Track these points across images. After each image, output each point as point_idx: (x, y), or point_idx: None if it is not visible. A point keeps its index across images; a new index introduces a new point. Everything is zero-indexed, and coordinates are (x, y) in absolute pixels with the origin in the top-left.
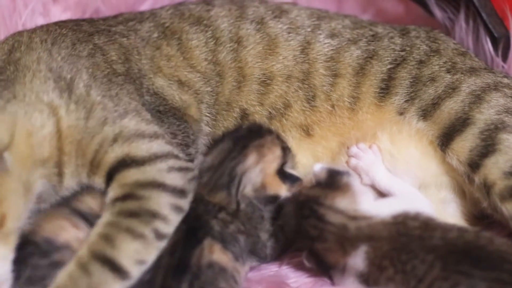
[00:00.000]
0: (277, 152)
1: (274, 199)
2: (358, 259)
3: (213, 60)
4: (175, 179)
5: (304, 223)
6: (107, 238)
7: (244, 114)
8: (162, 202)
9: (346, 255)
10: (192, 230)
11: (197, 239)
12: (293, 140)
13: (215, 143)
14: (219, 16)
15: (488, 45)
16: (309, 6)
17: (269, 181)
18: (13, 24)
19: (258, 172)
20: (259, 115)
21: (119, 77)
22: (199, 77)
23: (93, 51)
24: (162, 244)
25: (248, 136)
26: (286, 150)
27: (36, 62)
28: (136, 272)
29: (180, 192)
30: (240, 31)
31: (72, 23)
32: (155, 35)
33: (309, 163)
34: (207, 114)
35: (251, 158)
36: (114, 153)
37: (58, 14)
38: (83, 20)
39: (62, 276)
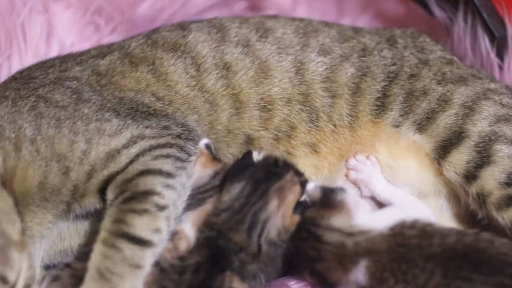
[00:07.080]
0: (297, 190)
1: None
2: (359, 274)
3: (198, 87)
4: (160, 164)
5: (303, 245)
6: (118, 221)
7: (249, 139)
8: (151, 182)
9: (347, 272)
10: (216, 258)
11: (220, 268)
12: (303, 154)
13: (229, 178)
14: (199, 41)
15: (486, 44)
16: (309, 6)
17: (290, 221)
18: (12, 23)
19: (280, 217)
20: (265, 139)
21: (68, 108)
22: (178, 98)
23: (35, 103)
24: (167, 213)
25: (267, 179)
26: (304, 183)
27: None
28: (157, 239)
29: (167, 174)
30: (225, 56)
31: (22, 82)
32: (117, 64)
33: (310, 175)
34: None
35: (273, 204)
36: (95, 182)
37: (60, 12)
38: (43, 66)
39: (95, 257)
